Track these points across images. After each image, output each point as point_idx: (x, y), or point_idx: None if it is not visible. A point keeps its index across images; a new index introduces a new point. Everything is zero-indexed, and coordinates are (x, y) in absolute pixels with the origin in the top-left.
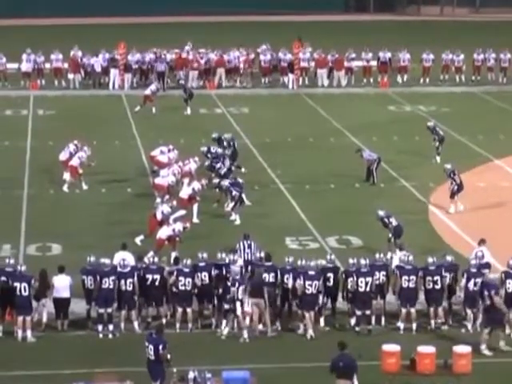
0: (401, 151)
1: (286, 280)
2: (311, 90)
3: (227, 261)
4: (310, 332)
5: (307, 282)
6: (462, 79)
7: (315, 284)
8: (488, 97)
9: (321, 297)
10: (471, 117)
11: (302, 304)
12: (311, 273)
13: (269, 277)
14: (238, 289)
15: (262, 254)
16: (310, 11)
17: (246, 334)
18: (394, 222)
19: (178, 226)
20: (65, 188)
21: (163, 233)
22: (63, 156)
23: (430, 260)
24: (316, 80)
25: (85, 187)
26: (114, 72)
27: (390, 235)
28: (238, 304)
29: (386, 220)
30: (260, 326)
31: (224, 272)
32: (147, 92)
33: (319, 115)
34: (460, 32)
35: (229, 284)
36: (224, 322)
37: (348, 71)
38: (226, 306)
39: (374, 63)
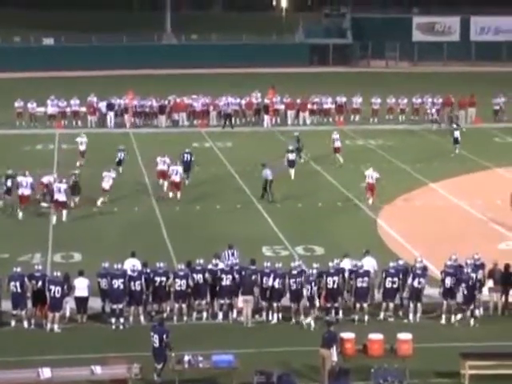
0: (354, 176)
1: (265, 281)
2: (282, 128)
3: (220, 266)
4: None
5: (291, 280)
6: (403, 119)
7: (299, 281)
8: (425, 133)
9: (304, 291)
10: (411, 149)
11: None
12: (294, 272)
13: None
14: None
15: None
16: (282, 65)
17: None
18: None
19: None
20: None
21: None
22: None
23: (392, 264)
24: (286, 119)
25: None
26: (110, 114)
27: None
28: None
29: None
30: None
31: (218, 274)
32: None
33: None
34: (402, 81)
35: (224, 284)
36: (220, 313)
37: (312, 112)
38: (221, 301)
39: (332, 106)
